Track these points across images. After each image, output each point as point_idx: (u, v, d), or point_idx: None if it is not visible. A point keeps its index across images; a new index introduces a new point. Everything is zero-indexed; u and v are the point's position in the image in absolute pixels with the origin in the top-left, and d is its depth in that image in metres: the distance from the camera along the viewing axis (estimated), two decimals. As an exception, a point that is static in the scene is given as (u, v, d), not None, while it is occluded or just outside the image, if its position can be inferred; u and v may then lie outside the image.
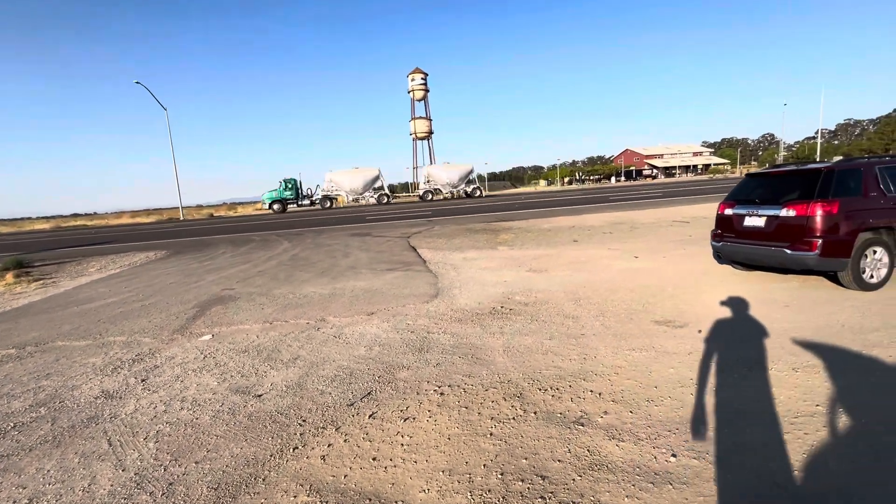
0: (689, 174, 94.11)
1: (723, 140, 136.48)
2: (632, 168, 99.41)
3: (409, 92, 76.49)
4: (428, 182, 46.18)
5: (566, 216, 17.13)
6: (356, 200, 44.31)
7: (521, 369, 3.53)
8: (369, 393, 3.28)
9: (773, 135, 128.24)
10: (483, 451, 2.47)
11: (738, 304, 4.86)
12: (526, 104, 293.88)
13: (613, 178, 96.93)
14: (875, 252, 4.96)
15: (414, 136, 78.11)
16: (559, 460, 2.35)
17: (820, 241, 4.82)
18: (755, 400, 2.85)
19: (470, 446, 2.52)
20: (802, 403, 2.76)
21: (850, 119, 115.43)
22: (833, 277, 5.30)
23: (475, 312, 5.20)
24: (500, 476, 2.24)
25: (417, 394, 3.22)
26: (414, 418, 2.87)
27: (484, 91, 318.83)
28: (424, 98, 76.06)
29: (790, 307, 4.68)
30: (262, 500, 2.18)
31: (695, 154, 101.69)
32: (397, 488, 2.21)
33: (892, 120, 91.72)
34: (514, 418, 2.80)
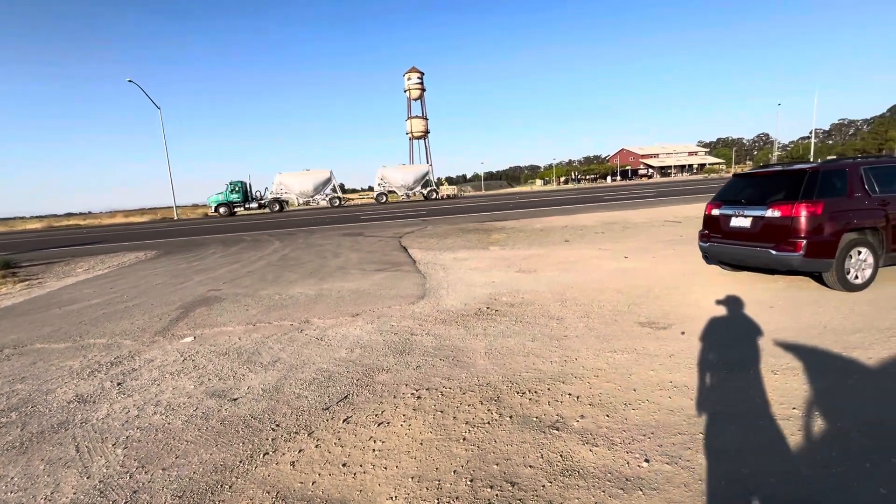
0: (684, 174, 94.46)
1: (718, 140, 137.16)
2: (627, 168, 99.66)
3: (405, 91, 76.32)
4: (381, 184, 45.74)
5: (560, 216, 17.13)
6: (307, 203, 43.54)
7: (501, 372, 3.50)
8: (346, 396, 3.24)
9: (768, 135, 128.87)
10: (455, 457, 2.43)
11: (723, 306, 4.85)
12: (523, 104, 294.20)
13: (609, 178, 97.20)
14: (860, 253, 4.96)
15: (410, 135, 77.96)
16: (531, 466, 2.32)
17: (804, 241, 4.81)
18: (732, 403, 2.83)
19: (442, 452, 2.49)
20: (779, 407, 2.74)
21: (844, 119, 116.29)
22: (818, 278, 5.29)
23: (460, 314, 5.16)
24: (469, 482, 2.21)
25: (394, 397, 3.18)
26: (388, 423, 2.83)
27: (481, 91, 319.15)
28: (421, 97, 75.92)
29: (775, 308, 4.67)
30: (227, 509, 2.14)
31: (690, 154, 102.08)
32: (364, 495, 2.17)
33: (886, 120, 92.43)
34: (489, 422, 2.76)
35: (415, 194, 47.00)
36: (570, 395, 3.07)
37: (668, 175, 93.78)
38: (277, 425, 2.90)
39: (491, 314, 5.07)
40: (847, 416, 2.58)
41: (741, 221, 5.54)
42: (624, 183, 74.01)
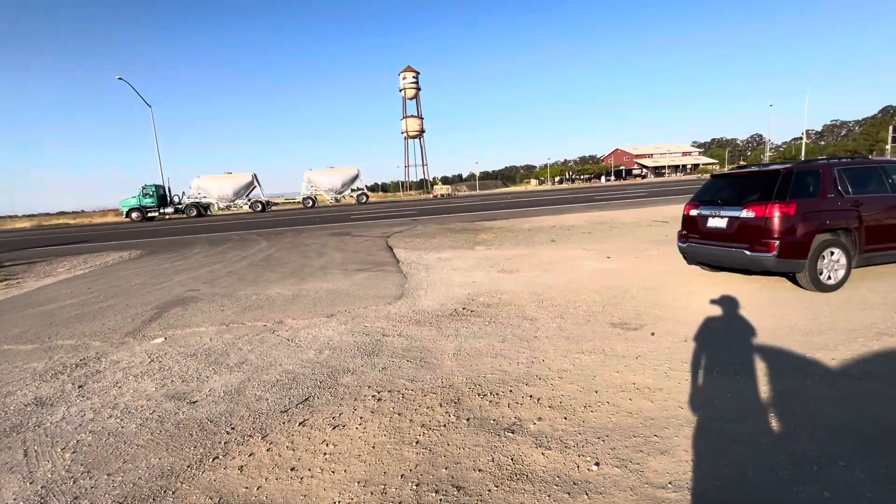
0: (678, 174, 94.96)
1: (713, 140, 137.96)
2: (621, 167, 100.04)
3: (400, 90, 76.21)
4: (308, 187, 45.13)
5: (550, 216, 17.14)
6: (227, 208, 42.14)
7: (467, 373, 3.47)
8: (307, 399, 3.20)
9: (761, 135, 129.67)
10: (405, 461, 2.40)
11: (695, 306, 4.85)
12: (519, 104, 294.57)
13: (603, 178, 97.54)
14: (832, 253, 4.97)
15: (405, 134, 77.87)
16: (480, 470, 2.29)
17: (777, 242, 4.82)
18: (691, 405, 2.81)
19: (393, 455, 2.45)
20: (735, 409, 2.73)
21: (836, 120, 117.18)
22: (793, 278, 5.30)
23: (436, 314, 5.13)
24: (415, 487, 2.18)
25: (355, 399, 3.14)
26: (344, 426, 2.80)
27: (477, 91, 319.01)
28: (416, 96, 75.83)
29: (747, 308, 4.67)
30: (166, 515, 2.10)
31: (684, 154, 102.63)
32: (308, 500, 2.14)
33: (878, 121, 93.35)
34: (445, 425, 2.73)
35: (344, 198, 46.46)
36: (531, 396, 3.05)
37: (662, 175, 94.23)
38: (233, 428, 2.86)
39: (466, 315, 5.04)
40: (800, 418, 2.57)
41: (718, 222, 5.55)
42: (618, 183, 74.23)
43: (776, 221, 4.83)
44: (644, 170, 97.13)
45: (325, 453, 2.51)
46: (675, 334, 4.05)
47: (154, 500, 2.21)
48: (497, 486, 2.16)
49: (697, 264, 6.46)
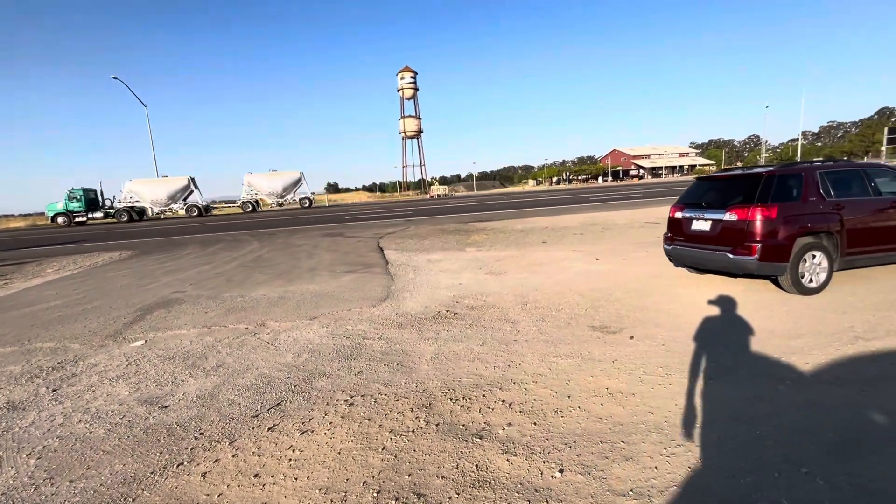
0: (675, 174, 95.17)
1: (710, 141, 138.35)
2: (619, 168, 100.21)
3: (398, 90, 76.19)
4: (248, 191, 43.73)
5: (544, 216, 17.15)
6: (161, 213, 41.14)
7: (442, 377, 3.46)
8: (279, 403, 3.18)
9: (758, 136, 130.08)
10: (369, 467, 2.38)
11: (677, 309, 4.85)
12: (517, 105, 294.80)
13: (601, 178, 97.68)
14: (814, 257, 4.98)
15: (403, 134, 77.85)
16: (443, 477, 2.28)
17: (759, 245, 4.82)
18: (661, 410, 2.81)
19: (357, 461, 2.44)
20: (707, 414, 2.73)
21: (833, 121, 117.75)
22: (776, 281, 5.31)
23: (418, 317, 5.12)
24: (375, 494, 2.16)
25: (327, 404, 3.13)
26: (312, 431, 2.78)
27: (476, 92, 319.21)
28: (414, 96, 75.83)
29: (728, 312, 4.67)
30: (123, 523, 2.08)
31: (681, 155, 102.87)
32: (268, 508, 2.12)
33: (874, 123, 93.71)
34: (413, 430, 2.72)
35: (288, 202, 45.22)
36: (503, 401, 3.04)
37: (659, 176, 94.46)
38: (201, 433, 2.84)
39: (449, 317, 5.03)
40: (767, 423, 2.56)
41: (702, 224, 5.55)
42: (615, 183, 74.36)
43: (758, 225, 4.83)
44: (641, 170, 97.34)
45: (290, 459, 2.49)
46: (653, 338, 4.05)
47: (113, 507, 2.19)
48: (458, 494, 2.15)
49: (683, 267, 6.47)
